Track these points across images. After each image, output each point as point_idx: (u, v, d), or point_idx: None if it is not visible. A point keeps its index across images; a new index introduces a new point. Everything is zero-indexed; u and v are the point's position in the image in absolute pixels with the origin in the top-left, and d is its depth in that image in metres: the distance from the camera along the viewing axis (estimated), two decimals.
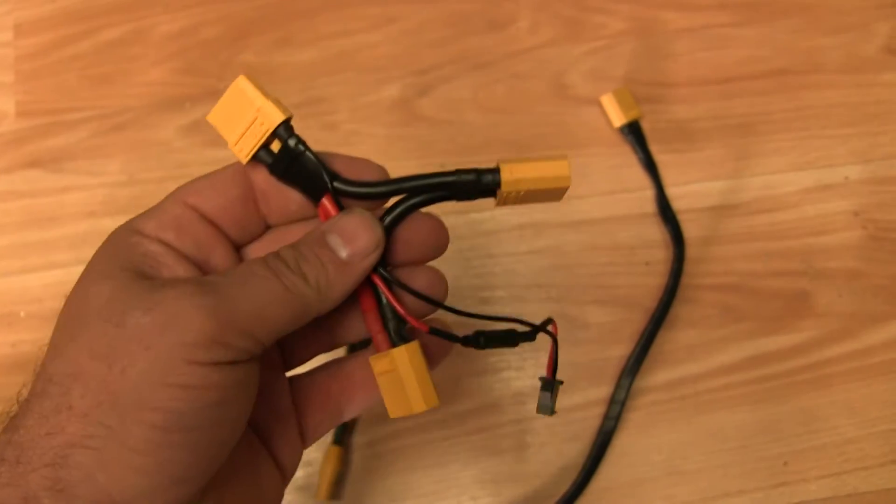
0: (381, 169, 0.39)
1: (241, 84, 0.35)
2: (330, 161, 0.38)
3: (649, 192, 0.69)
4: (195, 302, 0.31)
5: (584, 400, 0.66)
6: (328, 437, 0.65)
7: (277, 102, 0.36)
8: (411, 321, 0.36)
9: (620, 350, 0.67)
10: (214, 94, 0.69)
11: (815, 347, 0.68)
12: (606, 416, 0.65)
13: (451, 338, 0.38)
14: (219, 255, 0.37)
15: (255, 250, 0.39)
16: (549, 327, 0.41)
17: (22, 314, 0.69)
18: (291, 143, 0.36)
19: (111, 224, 0.63)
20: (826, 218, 0.70)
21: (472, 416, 0.66)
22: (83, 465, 0.29)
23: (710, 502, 0.65)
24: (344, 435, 0.65)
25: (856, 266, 0.69)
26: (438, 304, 0.39)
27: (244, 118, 0.35)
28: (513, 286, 0.68)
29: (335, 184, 0.37)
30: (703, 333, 0.68)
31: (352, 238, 0.35)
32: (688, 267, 0.68)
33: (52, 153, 0.73)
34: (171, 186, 0.64)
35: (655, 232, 0.69)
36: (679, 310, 0.68)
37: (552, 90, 0.73)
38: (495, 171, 0.39)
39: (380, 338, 0.37)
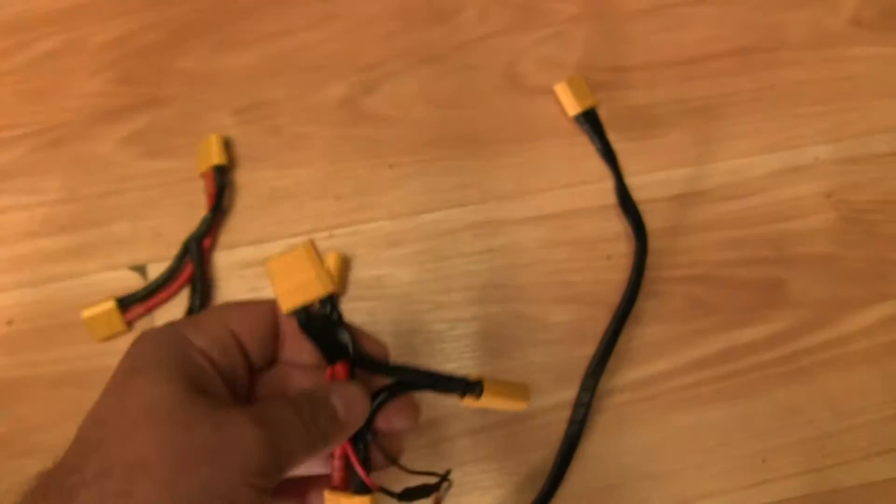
0: (386, 348, 0.46)
1: (307, 248, 0.40)
2: (355, 336, 0.42)
3: (609, 184, 0.66)
4: (255, 434, 0.35)
5: (548, 404, 0.63)
6: None
7: (330, 275, 0.40)
8: (366, 481, 0.41)
9: (585, 350, 0.63)
10: (153, 103, 0.66)
11: (789, 338, 0.64)
12: (572, 421, 0.61)
13: (393, 495, 0.43)
14: (241, 378, 0.41)
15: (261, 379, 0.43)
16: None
17: None
18: (333, 315, 0.41)
19: (52, 244, 0.62)
20: (797, 201, 0.66)
21: (426, 429, 0.62)
22: None
23: None
24: None
25: (829, 250, 0.65)
26: (399, 466, 0.44)
27: (299, 277, 0.40)
28: (470, 288, 0.64)
29: (357, 359, 0.42)
30: (672, 328, 0.64)
31: (350, 406, 0.40)
32: (653, 259, 0.64)
33: None
34: (114, 201, 0.62)
35: (617, 224, 0.65)
36: (645, 304, 0.64)
37: (504, 81, 0.69)
38: (479, 387, 0.45)
39: (338, 476, 0.42)
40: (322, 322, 0.41)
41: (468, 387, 0.45)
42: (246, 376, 0.41)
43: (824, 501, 0.62)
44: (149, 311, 0.63)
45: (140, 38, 0.72)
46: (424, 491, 0.44)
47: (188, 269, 0.64)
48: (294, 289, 0.40)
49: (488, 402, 0.46)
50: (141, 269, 0.66)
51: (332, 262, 0.64)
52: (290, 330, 0.42)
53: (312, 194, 0.67)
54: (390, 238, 0.66)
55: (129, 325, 0.63)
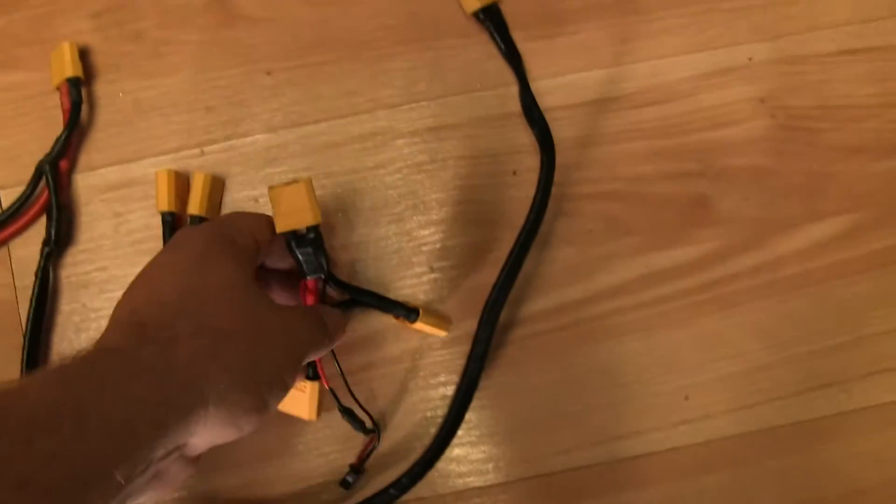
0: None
1: (307, 184, 0.45)
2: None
3: (513, 89, 0.56)
4: (304, 328, 0.43)
5: (448, 336, 0.54)
6: None
7: (319, 209, 0.46)
8: (321, 375, 0.50)
9: (488, 276, 0.54)
10: (1, 6, 0.55)
11: (717, 261, 0.55)
12: (471, 357, 0.52)
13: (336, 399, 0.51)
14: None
15: None
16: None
17: None
18: (317, 241, 0.46)
19: None
20: (727, 107, 0.56)
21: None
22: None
23: (600, 447, 0.54)
24: None
25: (763, 162, 0.55)
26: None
27: (295, 206, 0.45)
28: (356, 208, 0.55)
29: (329, 277, 0.47)
30: (585, 251, 0.55)
31: (336, 326, 0.46)
32: (563, 174, 0.54)
33: None
34: None
35: (522, 135, 0.55)
36: (555, 225, 0.54)
37: None
38: (416, 313, 0.52)
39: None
40: (305, 244, 0.46)
41: (407, 312, 0.51)
42: None
43: (754, 441, 0.53)
44: (2, 243, 0.55)
45: None
46: (359, 425, 0.51)
47: (44, 196, 0.55)
48: (289, 215, 0.46)
49: (418, 326, 0.52)
50: None
51: (199, 184, 0.54)
52: (278, 246, 0.46)
53: (180, 107, 0.57)
54: (268, 154, 0.56)
55: None
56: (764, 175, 0.55)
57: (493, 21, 0.55)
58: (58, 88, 0.56)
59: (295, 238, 0.47)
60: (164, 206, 0.53)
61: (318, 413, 0.51)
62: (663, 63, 0.56)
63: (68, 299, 0.55)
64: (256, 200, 0.55)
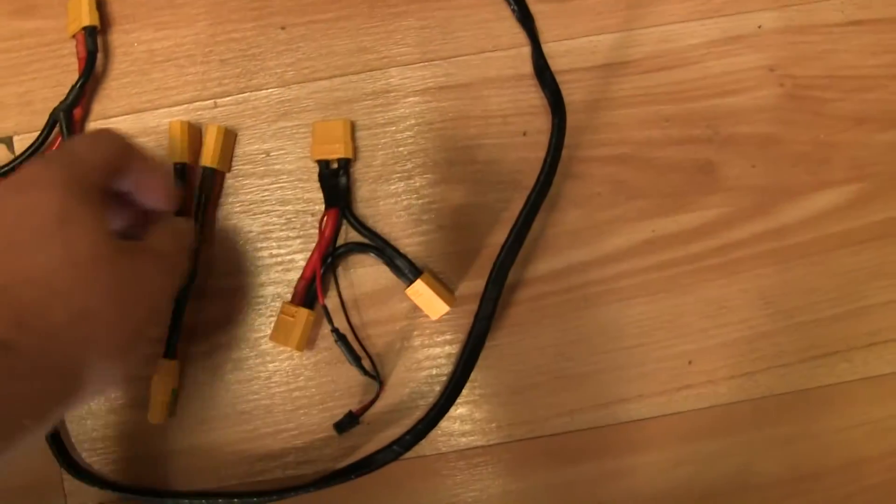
0: None
1: (345, 123, 0.52)
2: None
3: (525, 50, 0.54)
4: (160, 279, 0.42)
5: (457, 295, 0.52)
6: (158, 349, 0.52)
7: (353, 146, 0.52)
8: (320, 300, 0.51)
9: (497, 237, 0.53)
10: None
11: (722, 227, 0.54)
12: (478, 317, 0.51)
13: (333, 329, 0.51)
14: None
15: None
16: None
17: None
18: (342, 173, 0.51)
19: None
20: (736, 75, 0.55)
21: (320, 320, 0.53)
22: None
23: (602, 409, 0.52)
24: (177, 345, 0.52)
25: (771, 130, 0.54)
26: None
27: (331, 139, 0.52)
28: (368, 165, 0.53)
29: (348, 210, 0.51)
30: (592, 214, 0.53)
31: (186, 236, 0.47)
32: (572, 137, 0.53)
33: None
34: None
35: (534, 97, 0.54)
36: (563, 187, 0.53)
37: None
38: (417, 273, 0.51)
39: (301, 288, 0.52)
40: (333, 176, 0.51)
41: (412, 268, 0.51)
42: None
43: (756, 408, 0.52)
44: None
45: None
46: (358, 363, 0.51)
47: (56, 143, 0.53)
48: (324, 145, 0.51)
49: (417, 291, 0.50)
50: (7, 142, 0.55)
51: (212, 135, 0.53)
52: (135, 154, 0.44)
53: (195, 59, 0.55)
54: (280, 108, 0.55)
55: None
56: (771, 143, 0.53)
57: None
58: (73, 37, 0.54)
59: (325, 168, 0.51)
60: (177, 157, 0.52)
61: (306, 346, 0.51)
62: (673, 29, 0.55)
63: None
64: (268, 154, 0.54)
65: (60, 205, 0.38)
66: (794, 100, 0.53)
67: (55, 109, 0.53)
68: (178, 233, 0.46)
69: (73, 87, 0.53)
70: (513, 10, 0.54)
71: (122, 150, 0.42)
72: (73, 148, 0.41)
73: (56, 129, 0.53)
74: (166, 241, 0.43)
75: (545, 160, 0.50)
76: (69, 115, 0.53)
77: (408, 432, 0.51)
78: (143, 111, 0.54)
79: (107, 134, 0.43)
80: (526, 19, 0.53)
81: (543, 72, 0.53)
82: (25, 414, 0.35)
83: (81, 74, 0.53)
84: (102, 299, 0.37)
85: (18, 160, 0.53)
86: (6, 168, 0.53)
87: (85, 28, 0.53)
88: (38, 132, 0.53)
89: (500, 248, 0.50)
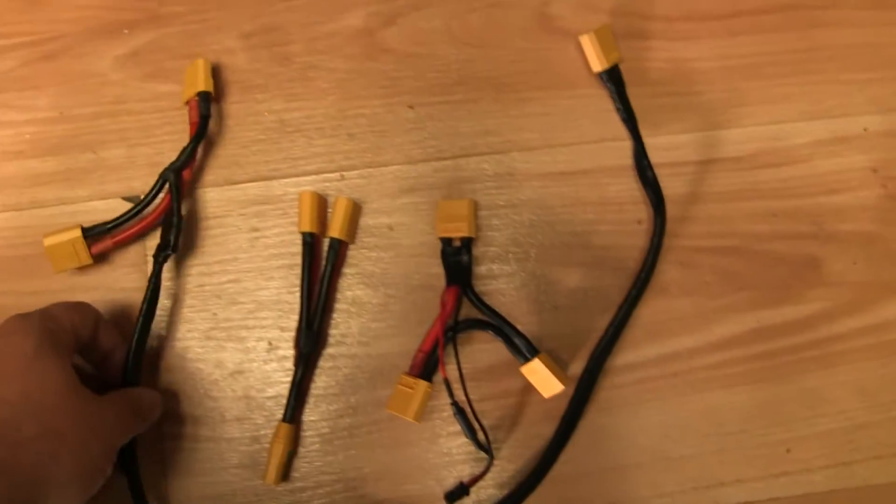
0: None
1: (469, 203, 0.53)
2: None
3: (646, 141, 0.54)
4: (117, 421, 0.46)
5: (569, 374, 0.52)
6: (278, 409, 0.52)
7: (475, 224, 0.53)
8: (442, 372, 0.50)
9: (607, 319, 0.52)
10: (156, 20, 0.55)
11: (824, 321, 0.53)
12: (574, 396, 0.52)
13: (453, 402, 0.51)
14: None
15: None
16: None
17: None
18: (466, 253, 0.53)
19: (40, 166, 0.54)
20: (840, 174, 0.55)
21: (439, 392, 0.52)
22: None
23: (702, 492, 0.52)
24: (296, 411, 0.52)
25: (872, 229, 0.54)
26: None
27: (454, 217, 0.53)
28: (486, 244, 0.53)
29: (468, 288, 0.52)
30: (700, 302, 0.53)
31: (151, 406, 0.50)
32: (684, 227, 0.53)
33: None
34: (107, 124, 0.55)
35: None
36: (674, 275, 0.53)
37: (535, 21, 0.57)
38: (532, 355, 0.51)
39: (419, 360, 0.52)
40: (456, 254, 0.51)
41: (528, 347, 0.50)
42: None
43: (851, 498, 0.52)
44: (117, 244, 0.52)
45: None
46: (473, 436, 0.50)
47: (162, 204, 0.53)
48: (448, 223, 0.52)
49: (533, 370, 0.50)
50: (134, 200, 0.54)
51: (341, 207, 0.52)
52: (103, 329, 0.49)
53: (324, 131, 0.55)
54: (405, 184, 0.54)
55: (95, 258, 0.52)
56: (873, 241, 0.53)
57: (613, 83, 0.54)
58: (187, 103, 0.54)
59: (448, 246, 0.51)
60: (306, 227, 0.52)
61: (421, 417, 0.51)
62: (783, 128, 0.55)
63: (198, 308, 0.53)
64: (391, 228, 0.53)
65: (35, 347, 0.42)
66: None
67: (165, 170, 0.52)
68: (149, 397, 0.50)
69: (184, 149, 0.52)
70: (617, 109, 0.53)
71: (91, 324, 0.48)
72: (50, 311, 0.46)
73: (165, 189, 0.53)
74: (132, 398, 0.48)
75: (647, 254, 0.50)
76: (178, 176, 0.52)
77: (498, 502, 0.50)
78: (270, 179, 0.54)
79: (81, 307, 0.48)
80: (629, 118, 0.53)
81: (643, 168, 0.52)
82: None
83: (193, 137, 0.53)
84: (70, 424, 0.42)
85: (125, 217, 0.53)
86: (110, 224, 0.53)
87: (199, 94, 0.53)
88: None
89: (604, 331, 0.50)
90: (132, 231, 0.52)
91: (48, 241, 0.51)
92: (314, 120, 0.54)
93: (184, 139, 0.54)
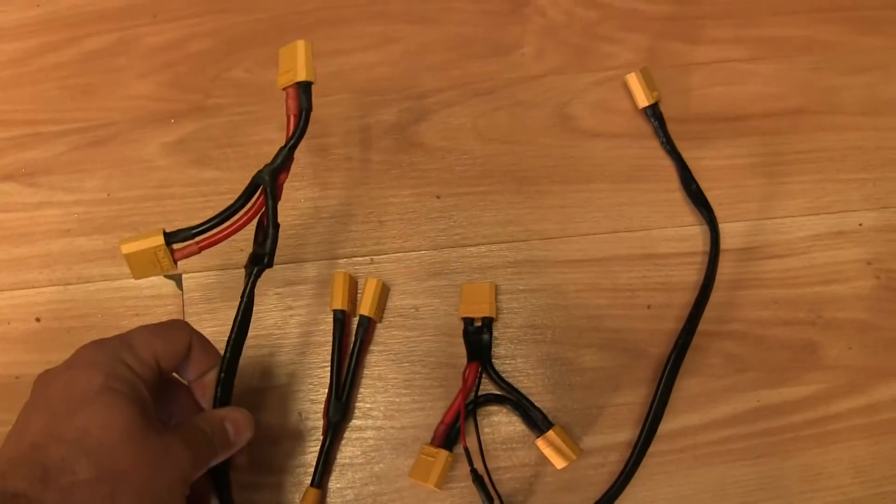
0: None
1: (490, 287, 0.67)
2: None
3: (655, 232, 0.70)
4: (186, 455, 0.48)
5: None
6: (306, 477, 0.65)
7: (496, 307, 0.67)
8: (462, 442, 0.62)
9: (619, 398, 0.67)
10: (201, 111, 0.69)
11: (821, 401, 0.67)
12: (625, 469, 0.65)
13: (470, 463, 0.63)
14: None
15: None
16: None
17: None
18: (485, 331, 0.67)
19: (87, 244, 0.65)
20: (838, 266, 0.70)
21: (461, 464, 0.65)
22: None
23: None
24: (323, 477, 0.65)
25: (867, 318, 0.69)
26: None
27: (477, 299, 0.67)
28: (507, 326, 0.68)
29: (489, 365, 0.65)
30: (706, 382, 0.67)
31: (238, 429, 0.54)
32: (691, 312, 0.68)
33: (28, 166, 0.72)
34: (152, 206, 0.66)
35: (659, 275, 0.69)
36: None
37: (556, 120, 0.73)
38: (549, 425, 0.64)
39: (441, 431, 0.64)
40: (477, 333, 0.64)
41: (544, 420, 0.63)
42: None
43: None
44: (201, 249, 0.54)
45: (192, 45, 0.75)
46: (486, 496, 0.61)
47: (253, 209, 0.54)
48: (471, 304, 0.65)
49: (548, 442, 0.62)
50: (177, 279, 0.69)
51: (371, 288, 0.67)
52: (198, 350, 0.54)
53: (356, 218, 0.70)
54: (431, 268, 0.69)
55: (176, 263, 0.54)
56: (867, 328, 0.68)
57: (656, 117, 0.71)
58: (284, 90, 0.54)
59: (470, 325, 0.64)
60: (338, 305, 0.66)
61: (441, 484, 0.61)
62: (784, 222, 0.70)
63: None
64: (417, 309, 0.68)
65: (102, 381, 0.46)
66: (889, 291, 0.69)
67: (260, 172, 0.53)
68: (237, 418, 0.54)
69: (281, 148, 0.53)
70: (661, 142, 0.71)
71: (179, 349, 0.52)
72: (130, 338, 0.50)
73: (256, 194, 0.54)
74: (198, 435, 0.50)
75: (682, 330, 0.65)
76: (274, 179, 0.53)
77: None
78: (304, 261, 0.69)
79: (168, 332, 0.52)
80: (671, 146, 0.71)
81: (690, 184, 0.70)
82: None
83: (292, 135, 0.53)
84: (130, 464, 0.44)
85: (212, 222, 0.54)
86: (194, 229, 0.54)
87: (299, 84, 0.53)
88: (210, 272, 0.67)
89: (649, 406, 0.65)
90: (220, 236, 0.54)
91: (126, 249, 0.53)
92: (347, 207, 0.70)
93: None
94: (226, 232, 0.54)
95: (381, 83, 0.73)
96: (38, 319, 0.68)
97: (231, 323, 0.56)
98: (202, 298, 0.69)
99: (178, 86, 0.73)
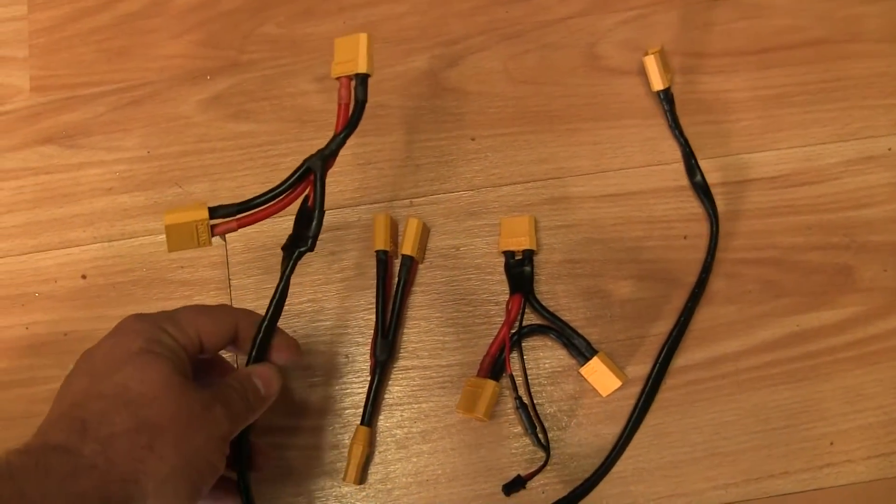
0: None
1: (530, 219, 0.67)
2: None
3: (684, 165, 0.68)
4: (223, 412, 0.49)
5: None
6: (355, 418, 0.64)
7: (535, 238, 0.67)
8: (507, 370, 0.63)
9: (658, 327, 0.66)
10: (235, 67, 0.69)
11: (859, 324, 0.66)
12: (639, 398, 0.65)
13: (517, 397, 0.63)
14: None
15: None
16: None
17: (36, 294, 0.68)
18: (528, 265, 0.66)
19: (129, 200, 0.64)
20: (869, 190, 0.68)
21: (505, 398, 0.65)
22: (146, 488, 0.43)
23: (753, 484, 0.63)
24: (372, 415, 0.64)
25: None
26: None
27: (517, 232, 0.67)
28: (545, 262, 0.66)
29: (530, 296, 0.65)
30: (744, 309, 0.66)
31: (268, 384, 0.53)
32: (727, 241, 0.67)
33: (68, 129, 0.72)
34: (192, 161, 0.65)
35: (694, 206, 0.68)
36: (718, 285, 0.66)
37: (584, 61, 0.72)
38: (590, 355, 0.63)
39: (486, 363, 0.64)
40: (518, 266, 0.63)
41: (588, 347, 0.63)
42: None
43: (892, 486, 0.63)
44: (240, 226, 0.53)
45: (225, 3, 0.74)
46: (533, 431, 0.62)
47: (297, 191, 0.53)
48: (511, 237, 0.65)
49: (592, 368, 0.63)
50: None
51: (412, 228, 0.65)
52: (248, 330, 0.54)
53: (394, 163, 0.69)
54: (469, 209, 0.68)
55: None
56: None
57: (668, 101, 0.69)
58: (337, 79, 0.53)
59: (511, 258, 0.64)
60: (381, 245, 0.65)
61: (490, 416, 0.62)
62: (814, 150, 0.69)
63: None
64: (457, 249, 0.67)
65: (142, 344, 0.47)
66: None
67: (311, 157, 0.53)
68: (265, 374, 0.53)
69: (335, 136, 0.53)
70: (670, 126, 0.68)
71: (226, 329, 0.53)
72: (176, 314, 0.51)
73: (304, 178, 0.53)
74: (232, 392, 0.51)
75: (705, 261, 0.64)
76: (325, 165, 0.53)
77: (569, 494, 0.63)
78: (343, 207, 0.68)
79: (215, 312, 0.54)
80: (680, 132, 0.67)
81: (699, 184, 0.67)
82: None
83: (346, 124, 0.53)
84: (168, 417, 0.44)
85: (255, 201, 0.53)
86: (235, 207, 0.53)
87: (357, 75, 0.53)
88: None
89: (667, 334, 0.63)
90: (260, 215, 0.53)
91: (169, 219, 0.51)
92: (384, 153, 0.68)
93: (264, 174, 0.69)
94: (267, 211, 0.53)
95: (411, 32, 0.72)
96: (83, 276, 0.67)
97: (277, 273, 0.55)
98: (245, 248, 0.68)
99: (211, 44, 0.72)
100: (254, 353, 0.54)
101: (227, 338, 0.53)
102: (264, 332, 0.54)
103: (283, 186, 0.53)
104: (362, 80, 0.53)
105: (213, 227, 0.52)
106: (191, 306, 0.53)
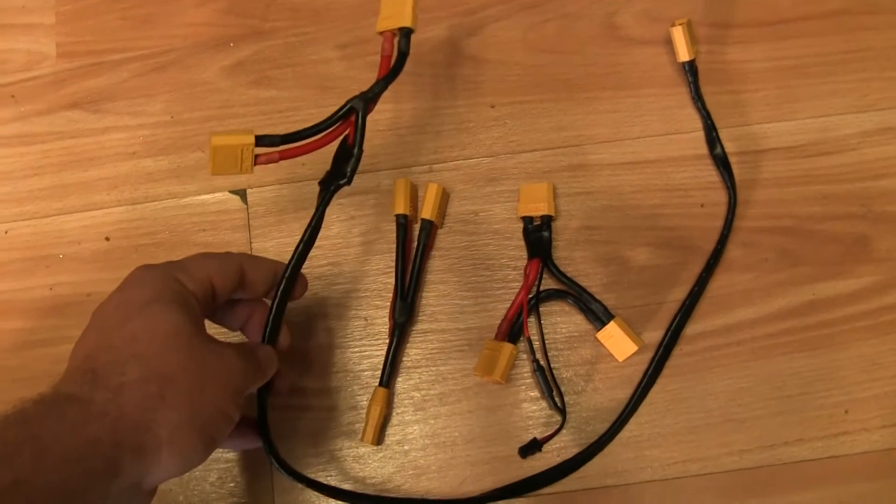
0: None
1: (549, 187, 0.66)
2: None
3: (703, 134, 0.68)
4: (240, 365, 0.49)
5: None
6: (373, 380, 0.64)
7: (554, 204, 0.67)
8: (525, 332, 0.62)
9: (675, 294, 0.65)
10: (258, 35, 0.68)
11: (875, 293, 0.65)
12: (651, 363, 0.64)
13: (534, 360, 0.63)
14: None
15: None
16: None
17: (60, 256, 0.68)
18: (544, 228, 0.66)
19: (153, 164, 0.64)
20: (887, 161, 0.68)
21: (522, 362, 0.64)
22: (160, 434, 0.43)
23: (767, 451, 0.63)
24: (391, 377, 0.64)
25: None
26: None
27: (535, 198, 0.67)
28: (564, 229, 0.66)
29: (548, 261, 0.64)
30: (761, 277, 0.65)
31: (267, 360, 0.54)
32: (744, 209, 0.66)
33: (93, 94, 0.72)
34: (215, 126, 0.65)
35: (711, 174, 0.67)
36: (736, 253, 0.65)
37: (603, 30, 0.71)
38: (607, 320, 0.62)
39: (504, 327, 0.63)
40: (536, 231, 0.63)
41: (605, 312, 0.62)
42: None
43: None
44: (282, 158, 0.54)
45: None
46: (549, 395, 0.62)
47: (338, 129, 0.56)
48: (529, 203, 0.64)
49: (609, 333, 0.62)
50: (241, 194, 0.68)
51: (432, 192, 0.65)
52: (252, 271, 0.53)
53: (414, 129, 0.69)
54: (489, 175, 0.68)
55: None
56: None
57: (692, 73, 0.68)
58: (381, 33, 0.57)
59: (530, 224, 0.64)
60: (400, 209, 0.65)
61: (507, 378, 0.62)
62: (831, 120, 0.68)
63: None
64: (476, 214, 0.66)
65: (151, 294, 0.46)
66: None
67: (354, 98, 0.55)
68: (265, 352, 0.54)
69: (378, 80, 0.55)
70: (692, 98, 0.67)
71: (233, 269, 0.52)
72: (183, 262, 0.51)
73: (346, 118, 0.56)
74: (253, 349, 0.52)
75: (722, 229, 0.63)
76: (366, 107, 0.55)
77: (580, 453, 0.63)
78: (365, 172, 0.68)
79: (221, 254, 0.53)
80: (704, 106, 0.66)
81: (718, 153, 0.66)
82: (98, 457, 0.40)
83: (389, 72, 0.56)
84: (179, 366, 0.44)
85: (299, 134, 0.55)
86: (279, 138, 0.54)
87: (401, 29, 0.55)
88: (272, 186, 0.66)
89: (682, 301, 0.62)
90: (303, 149, 0.54)
91: (217, 141, 0.51)
92: (404, 119, 0.68)
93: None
94: (310, 146, 0.54)
95: (430, 2, 0.72)
96: (107, 239, 0.67)
97: (297, 235, 0.57)
98: (266, 212, 0.68)
99: (234, 12, 0.72)
100: (288, 273, 0.56)
101: (236, 280, 0.52)
102: (298, 258, 0.56)
103: (327, 122, 0.55)
104: (406, 33, 0.56)
105: (256, 156, 0.53)
106: (197, 253, 0.52)
